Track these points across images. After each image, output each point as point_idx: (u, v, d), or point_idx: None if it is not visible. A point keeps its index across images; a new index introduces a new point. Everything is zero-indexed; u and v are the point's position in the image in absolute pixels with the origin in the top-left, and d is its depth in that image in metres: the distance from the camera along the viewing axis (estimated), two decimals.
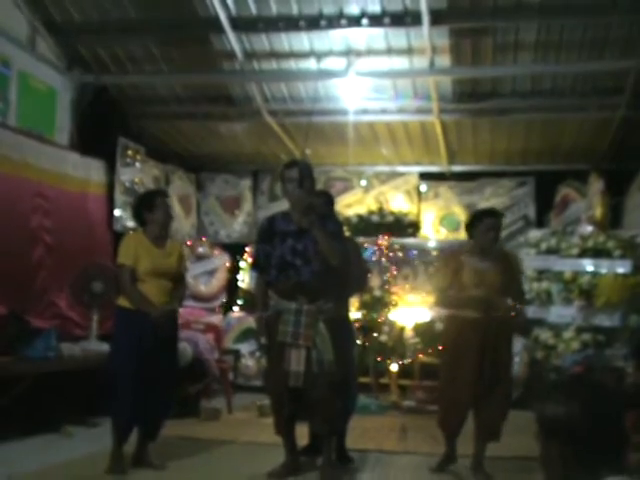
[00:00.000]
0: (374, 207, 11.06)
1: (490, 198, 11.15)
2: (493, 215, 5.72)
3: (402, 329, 9.21)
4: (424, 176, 11.44)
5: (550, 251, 9.03)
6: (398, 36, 8.31)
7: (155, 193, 5.86)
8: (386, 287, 9.66)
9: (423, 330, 9.23)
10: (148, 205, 5.48)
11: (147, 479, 5.14)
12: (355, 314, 9.38)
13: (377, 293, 9.48)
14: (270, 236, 5.24)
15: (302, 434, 5.50)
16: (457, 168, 11.29)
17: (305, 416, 5.24)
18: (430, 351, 9.16)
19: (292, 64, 8.96)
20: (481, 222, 5.56)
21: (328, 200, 5.84)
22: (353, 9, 8.05)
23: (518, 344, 8.98)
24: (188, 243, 10.54)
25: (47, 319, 7.59)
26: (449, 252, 6.55)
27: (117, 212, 9.27)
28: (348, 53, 8.57)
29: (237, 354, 9.46)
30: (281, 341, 5.07)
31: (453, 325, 5.62)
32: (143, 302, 5.31)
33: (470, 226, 5.70)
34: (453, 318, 5.63)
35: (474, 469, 5.45)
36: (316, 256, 5.07)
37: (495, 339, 5.39)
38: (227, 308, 10.70)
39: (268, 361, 5.34)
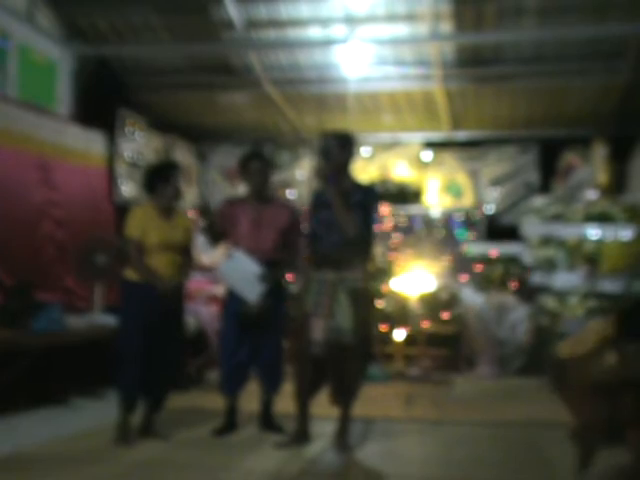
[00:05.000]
0: (377, 176, 11.02)
1: (494, 165, 11.11)
2: None
3: (406, 297, 9.20)
4: (427, 144, 11.39)
5: (555, 217, 9.01)
6: (399, 2, 8.21)
7: (171, 165, 5.80)
8: (390, 255, 9.64)
9: (428, 299, 9.23)
10: (164, 177, 5.47)
11: (153, 450, 5.15)
12: None
13: (381, 262, 9.46)
14: (314, 208, 5.38)
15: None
16: (460, 135, 11.22)
17: (326, 384, 5.30)
18: (434, 319, 9.19)
19: (292, 33, 8.87)
20: None
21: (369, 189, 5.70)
22: None
23: (523, 312, 9.01)
24: (189, 214, 10.51)
25: (53, 292, 7.59)
26: None
27: (118, 184, 9.24)
28: (349, 20, 8.49)
29: None
30: (305, 310, 5.14)
31: None
32: (150, 275, 5.31)
33: None
34: None
35: None
36: (339, 227, 5.11)
37: None
38: None
39: (294, 330, 5.37)
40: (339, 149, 5.25)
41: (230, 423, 5.70)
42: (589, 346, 4.24)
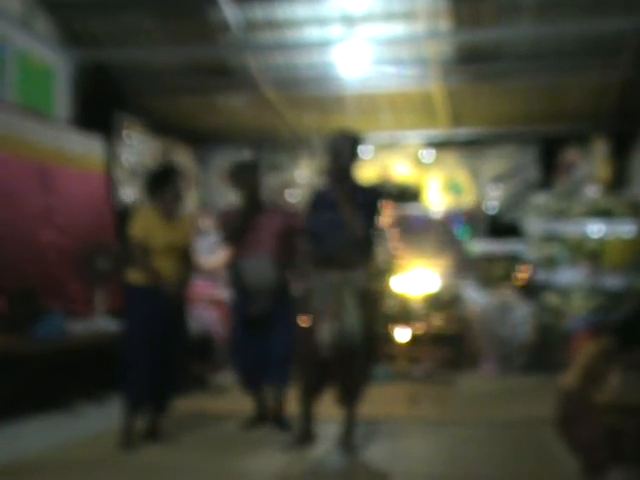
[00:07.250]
0: (377, 176, 11.00)
1: (494, 162, 11.09)
2: None
3: (409, 297, 9.18)
4: (427, 143, 11.37)
5: (557, 214, 9.00)
6: (396, 0, 8.18)
7: (172, 170, 5.78)
8: (392, 256, 9.62)
9: (431, 298, 9.21)
10: (165, 181, 5.49)
11: (158, 454, 5.14)
12: None
13: (383, 262, 9.44)
14: (315, 208, 5.36)
15: None
16: (460, 134, 11.20)
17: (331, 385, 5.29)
18: (437, 319, 9.16)
19: (289, 34, 8.84)
20: None
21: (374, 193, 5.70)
22: None
23: (526, 309, 8.99)
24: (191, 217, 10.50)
25: (54, 298, 7.56)
26: None
27: (117, 189, 9.22)
28: (345, 20, 8.46)
29: None
30: (311, 312, 5.14)
31: None
32: (156, 276, 5.30)
33: None
34: None
35: None
36: (344, 227, 5.09)
37: None
38: None
39: (300, 331, 5.37)
40: (349, 149, 5.28)
41: (260, 414, 5.84)
42: (594, 370, 4.22)
